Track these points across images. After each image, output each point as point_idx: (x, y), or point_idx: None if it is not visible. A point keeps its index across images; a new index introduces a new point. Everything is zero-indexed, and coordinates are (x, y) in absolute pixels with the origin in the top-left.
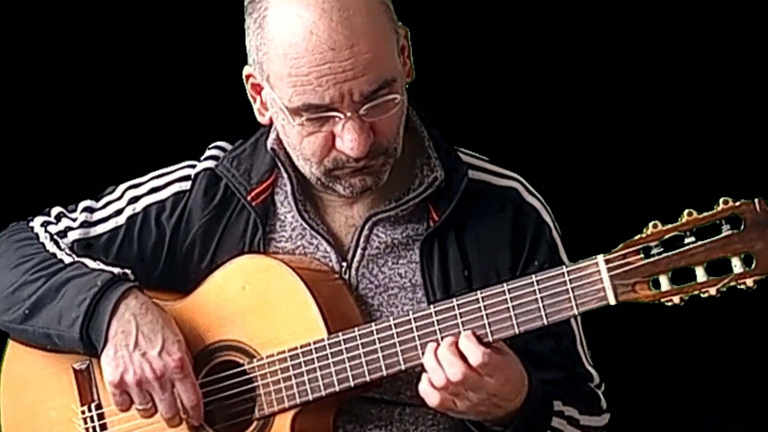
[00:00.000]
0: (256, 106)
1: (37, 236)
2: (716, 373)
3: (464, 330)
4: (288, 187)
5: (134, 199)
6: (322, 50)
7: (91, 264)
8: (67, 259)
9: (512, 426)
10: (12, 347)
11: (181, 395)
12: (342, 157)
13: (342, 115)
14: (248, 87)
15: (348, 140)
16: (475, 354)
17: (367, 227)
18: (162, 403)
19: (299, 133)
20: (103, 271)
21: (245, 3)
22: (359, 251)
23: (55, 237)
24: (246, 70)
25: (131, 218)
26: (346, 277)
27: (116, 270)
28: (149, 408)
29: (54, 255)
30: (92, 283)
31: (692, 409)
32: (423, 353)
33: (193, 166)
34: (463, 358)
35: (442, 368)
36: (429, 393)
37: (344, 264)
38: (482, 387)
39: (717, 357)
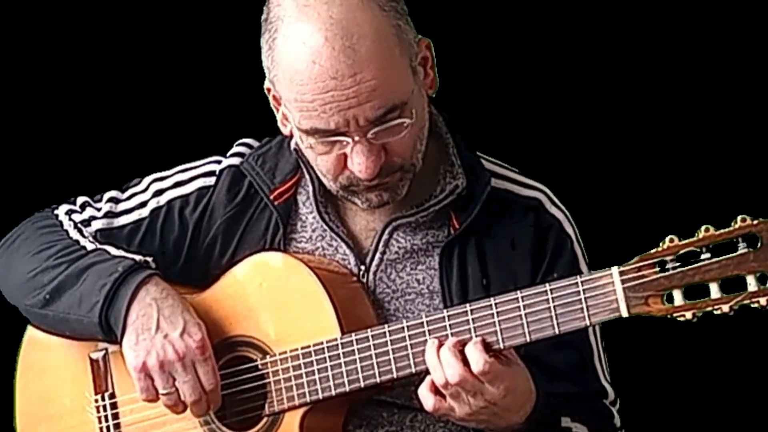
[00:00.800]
0: (278, 117)
1: (61, 224)
2: (731, 391)
3: (476, 335)
4: (310, 188)
5: (159, 192)
6: (325, 79)
7: (114, 251)
8: (90, 246)
9: None
10: (30, 335)
11: (201, 377)
12: (355, 176)
13: (350, 140)
14: (270, 99)
15: (357, 163)
16: (478, 361)
17: (387, 232)
18: (185, 384)
19: (313, 151)
20: (124, 258)
21: (262, 20)
22: (378, 255)
23: (79, 225)
24: (266, 84)
25: (155, 211)
26: (364, 280)
27: (138, 257)
28: (172, 392)
29: (77, 242)
30: (113, 269)
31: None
32: None
33: (219, 162)
34: (465, 361)
35: (441, 367)
36: (425, 396)
37: (363, 267)
38: (481, 393)
39: (731, 375)
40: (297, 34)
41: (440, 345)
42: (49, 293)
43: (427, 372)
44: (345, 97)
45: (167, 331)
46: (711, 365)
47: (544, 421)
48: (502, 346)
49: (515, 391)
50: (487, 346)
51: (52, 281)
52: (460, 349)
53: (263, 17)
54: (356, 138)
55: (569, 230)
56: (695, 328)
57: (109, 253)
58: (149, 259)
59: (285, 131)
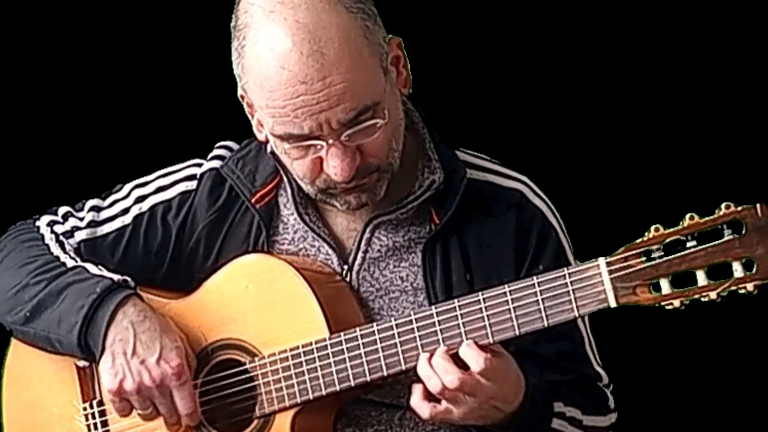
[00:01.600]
0: (253, 123)
1: (42, 237)
2: (707, 374)
3: (465, 331)
4: (289, 191)
5: (141, 198)
6: (294, 84)
7: (93, 269)
8: (70, 263)
9: (512, 428)
10: (16, 344)
11: (177, 402)
12: (331, 179)
13: (324, 143)
14: (245, 105)
15: (332, 166)
16: (478, 361)
17: (368, 231)
18: (162, 407)
19: (288, 156)
20: (103, 277)
21: (231, 27)
22: (360, 254)
23: (61, 238)
24: (239, 91)
25: (138, 217)
26: (348, 280)
27: (116, 277)
28: (150, 413)
29: (57, 258)
30: (91, 289)
31: (684, 410)
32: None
33: (200, 165)
34: (459, 365)
35: (437, 375)
36: (420, 406)
37: (346, 267)
38: (480, 391)
39: (708, 358)
40: (265, 41)
41: (431, 356)
42: (29, 311)
43: (416, 372)
44: (315, 101)
45: (144, 357)
46: (687, 348)
47: (537, 406)
48: (491, 340)
49: (509, 381)
50: (479, 346)
51: (32, 299)
52: (452, 354)
53: (232, 24)
54: (330, 141)
55: (553, 220)
56: (671, 315)
57: (88, 271)
58: (128, 278)
59: (261, 137)
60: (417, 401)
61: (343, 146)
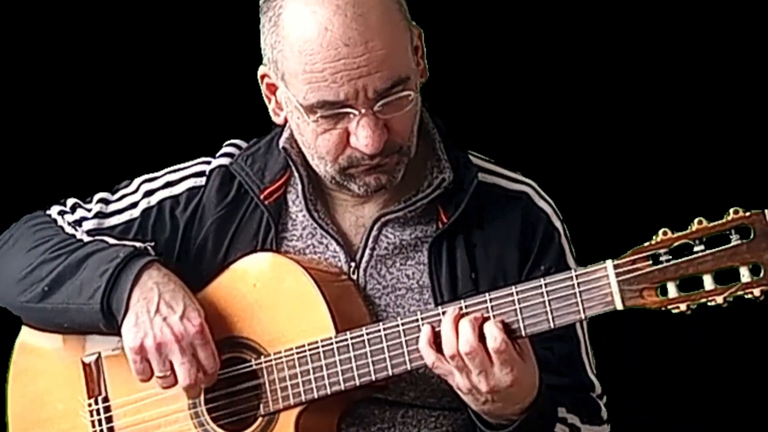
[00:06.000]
0: (270, 107)
1: (54, 221)
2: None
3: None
4: (299, 187)
5: (149, 193)
6: (337, 46)
7: (112, 241)
8: (87, 238)
9: (514, 425)
10: (22, 340)
11: (202, 361)
12: (356, 155)
13: (357, 112)
14: (263, 87)
15: (363, 137)
16: (496, 338)
17: (375, 228)
18: (182, 367)
19: (314, 131)
20: (124, 245)
21: (260, 2)
22: (368, 252)
23: (72, 224)
24: (261, 70)
25: (146, 211)
26: (355, 277)
27: (138, 244)
28: (168, 375)
29: (73, 235)
30: (114, 255)
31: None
32: None
33: (208, 163)
34: (480, 337)
35: (456, 336)
36: (426, 351)
37: (353, 264)
38: (486, 374)
39: (704, 360)
40: (306, 6)
41: (460, 316)
42: (48, 285)
43: (423, 368)
44: (356, 65)
45: (166, 314)
46: (685, 349)
47: (542, 412)
48: None
49: (521, 384)
50: (506, 327)
51: (50, 273)
52: (479, 324)
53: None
54: (362, 110)
55: (557, 224)
56: (668, 318)
57: (107, 242)
58: (149, 246)
59: (278, 120)
60: (424, 345)
61: (375, 118)
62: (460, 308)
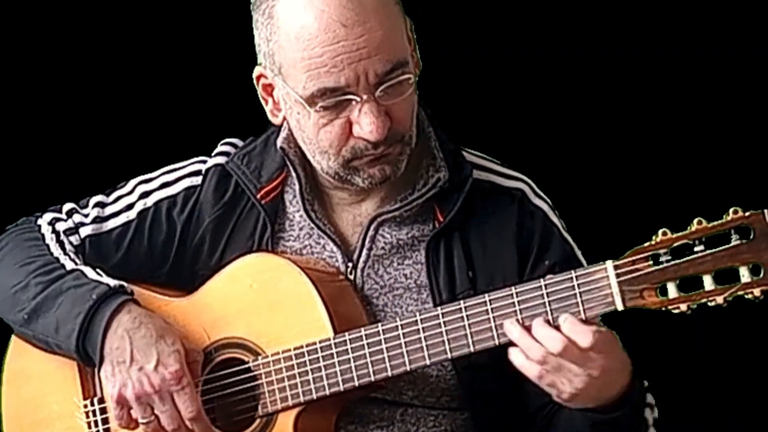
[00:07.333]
0: (268, 108)
1: (42, 237)
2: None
3: (471, 332)
4: (296, 186)
5: (145, 194)
6: (335, 27)
7: (91, 274)
8: (69, 265)
9: (622, 410)
10: (16, 340)
11: (180, 407)
12: (360, 146)
13: (358, 98)
14: (259, 89)
15: (366, 123)
16: (586, 336)
17: (372, 227)
18: (163, 415)
19: (315, 124)
20: (100, 283)
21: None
22: (365, 252)
23: (62, 236)
24: (256, 71)
25: (142, 213)
26: (352, 277)
27: (112, 282)
28: (152, 421)
29: (57, 259)
30: (87, 296)
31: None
32: (428, 355)
33: (204, 162)
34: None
35: (538, 343)
36: (528, 366)
37: (350, 264)
38: (587, 362)
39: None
40: None
41: (526, 326)
42: (27, 314)
43: (421, 369)
44: (356, 47)
45: (142, 364)
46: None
47: (640, 391)
48: (497, 342)
49: (615, 353)
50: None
51: (30, 301)
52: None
53: None
54: (364, 96)
55: (554, 219)
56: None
57: (86, 275)
58: (124, 283)
59: (276, 121)
60: (523, 361)
61: (377, 104)
62: (521, 321)
